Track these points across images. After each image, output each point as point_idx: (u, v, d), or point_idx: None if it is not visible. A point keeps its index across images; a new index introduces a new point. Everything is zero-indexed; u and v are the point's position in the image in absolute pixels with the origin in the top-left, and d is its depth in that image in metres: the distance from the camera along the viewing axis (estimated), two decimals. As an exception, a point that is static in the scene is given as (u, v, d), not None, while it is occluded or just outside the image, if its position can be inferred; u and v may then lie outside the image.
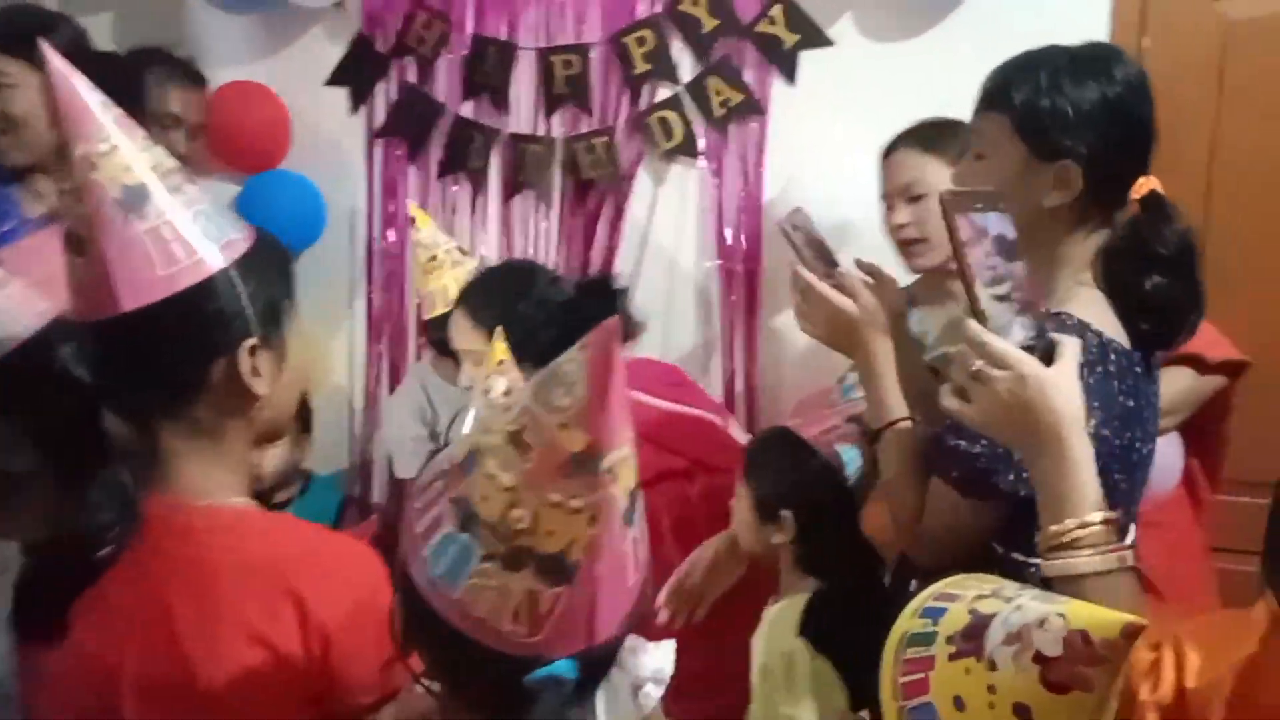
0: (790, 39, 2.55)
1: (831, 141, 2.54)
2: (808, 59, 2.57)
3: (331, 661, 0.99)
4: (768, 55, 2.58)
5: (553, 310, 1.89)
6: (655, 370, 2.25)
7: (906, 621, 0.94)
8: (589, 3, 2.65)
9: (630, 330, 2.04)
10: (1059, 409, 1.03)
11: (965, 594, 0.92)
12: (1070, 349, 1.07)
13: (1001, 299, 1.08)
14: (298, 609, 0.98)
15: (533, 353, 1.85)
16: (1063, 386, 1.04)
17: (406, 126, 2.82)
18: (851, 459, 1.57)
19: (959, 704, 0.86)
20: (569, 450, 0.73)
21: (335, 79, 2.84)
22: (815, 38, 2.55)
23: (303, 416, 2.52)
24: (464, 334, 1.92)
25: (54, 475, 0.99)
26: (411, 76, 2.79)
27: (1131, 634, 0.80)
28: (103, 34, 2.99)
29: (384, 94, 2.83)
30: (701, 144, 2.65)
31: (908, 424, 1.35)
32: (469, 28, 2.72)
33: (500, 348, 1.30)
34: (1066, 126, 1.24)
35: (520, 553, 0.75)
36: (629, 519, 0.77)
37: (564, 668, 0.76)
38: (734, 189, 2.65)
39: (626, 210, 2.71)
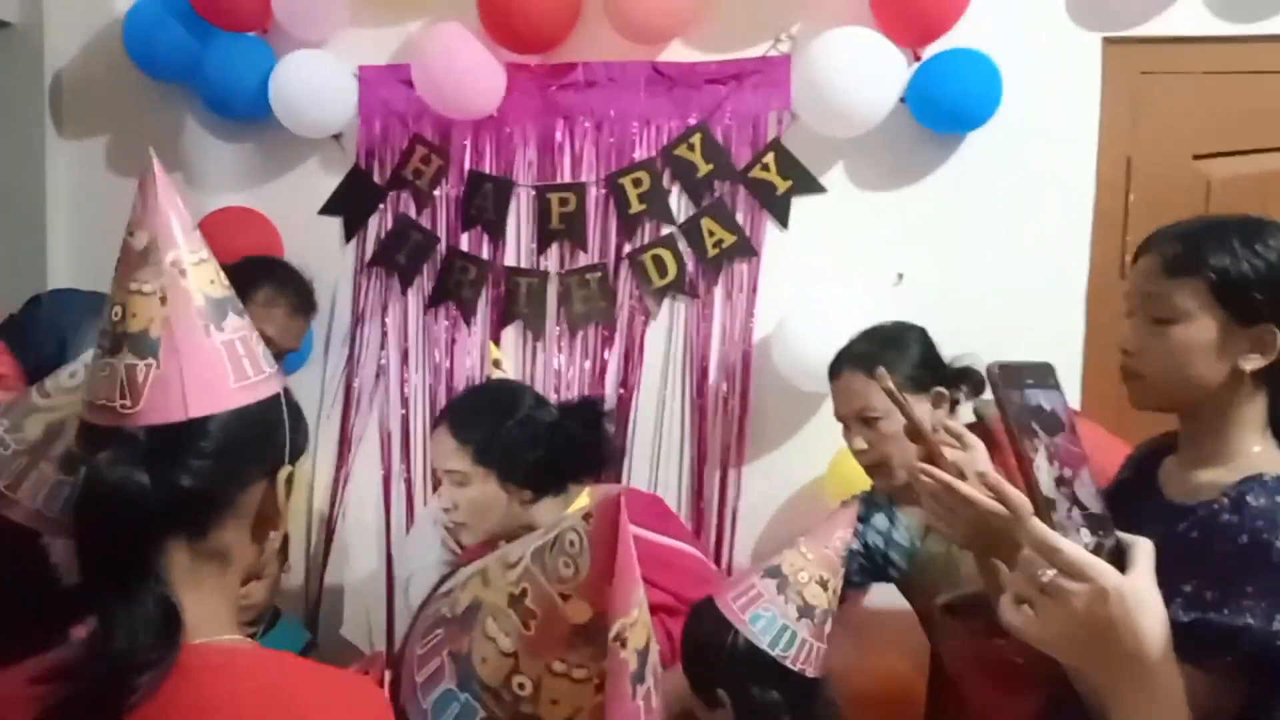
0: (783, 185, 2.63)
1: (823, 282, 2.59)
2: (800, 203, 2.63)
3: None
4: (761, 200, 2.64)
5: (539, 431, 1.86)
6: (642, 501, 2.23)
7: None
8: (585, 144, 2.72)
9: (610, 454, 2.03)
10: (1144, 630, 0.88)
11: None
12: (1145, 553, 0.93)
13: (1061, 484, 0.94)
14: None
15: (519, 473, 1.83)
16: (1148, 602, 0.89)
17: (399, 256, 2.84)
18: (767, 624, 1.38)
19: None
20: (573, 621, 0.69)
21: (329, 208, 2.88)
22: (807, 184, 2.62)
23: (282, 549, 2.45)
24: (447, 454, 1.88)
25: (100, 589, 0.93)
26: (407, 208, 2.83)
27: None
28: (98, 159, 3.03)
29: (376, 225, 2.86)
30: (694, 282, 2.69)
31: None
32: (466, 164, 2.78)
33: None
34: (1268, 290, 1.26)
35: (523, 718, 0.71)
36: (640, 678, 0.74)
37: None
38: (724, 326, 2.68)
39: (639, 344, 2.73)
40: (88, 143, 3.03)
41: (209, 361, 0.96)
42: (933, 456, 1.34)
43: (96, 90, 2.99)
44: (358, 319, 2.89)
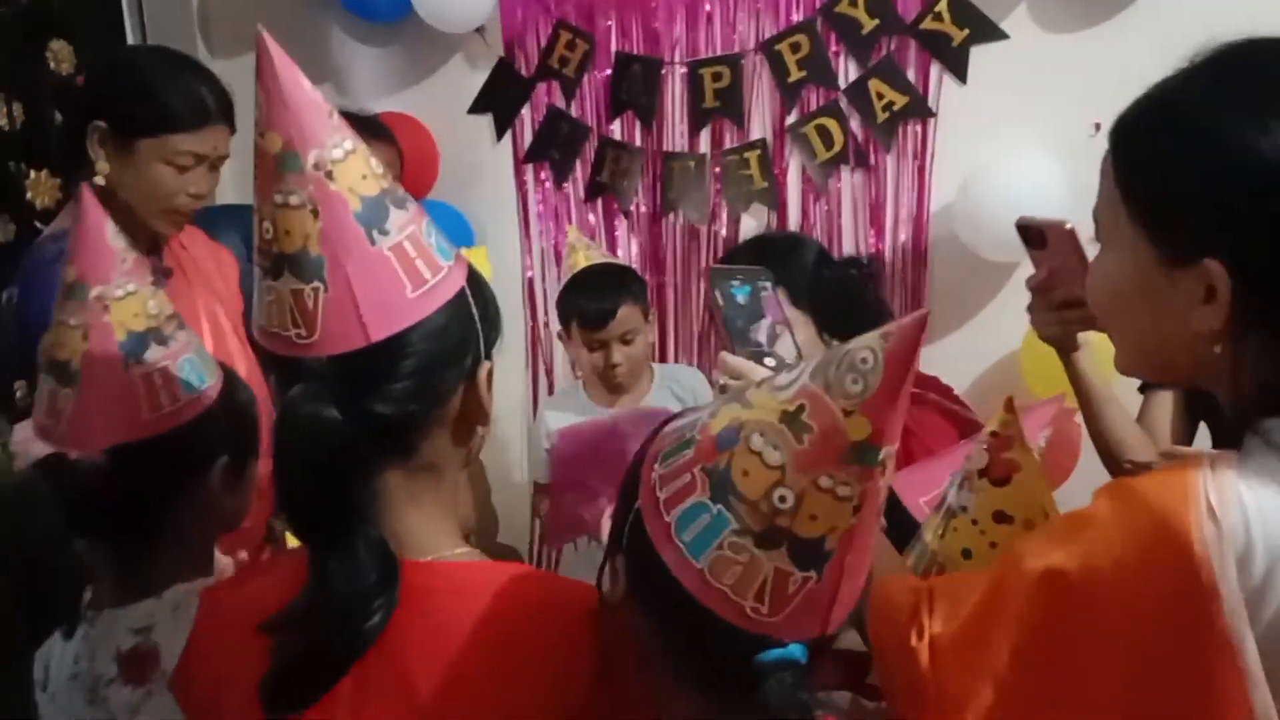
0: (959, 35, 2.50)
1: (1009, 140, 2.48)
2: (979, 54, 2.51)
3: None
4: (935, 53, 2.53)
5: (825, 279, 1.91)
6: (932, 381, 2.21)
7: (914, 562, 1.19)
8: (738, 10, 2.66)
9: (888, 312, 2.10)
10: None
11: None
12: None
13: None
14: (546, 673, 0.93)
15: (833, 323, 1.85)
16: None
17: (552, 150, 2.88)
18: None
19: (967, 554, 1.12)
20: (850, 438, 0.74)
21: (478, 106, 2.93)
22: (987, 31, 2.48)
23: None
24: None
25: (312, 538, 0.93)
26: (555, 99, 2.86)
27: (1009, 406, 1.12)
28: (251, 76, 3.17)
29: (529, 118, 2.90)
30: (864, 151, 2.62)
31: None
32: (613, 45, 2.77)
33: None
34: None
35: (777, 532, 0.76)
36: (883, 514, 0.80)
37: (798, 651, 0.79)
38: (899, 196, 2.61)
39: (807, 224, 2.72)
40: (240, 60, 3.18)
41: (380, 274, 0.88)
42: None
43: (243, 6, 3.12)
44: (523, 217, 2.97)
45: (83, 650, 1.20)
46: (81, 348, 1.13)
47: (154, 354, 1.15)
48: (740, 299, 1.19)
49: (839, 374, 0.75)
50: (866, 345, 0.75)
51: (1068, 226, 1.35)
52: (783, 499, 0.75)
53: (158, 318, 1.16)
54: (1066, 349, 1.45)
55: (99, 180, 1.73)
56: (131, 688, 1.17)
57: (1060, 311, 1.37)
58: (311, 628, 0.91)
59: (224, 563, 1.35)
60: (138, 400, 1.14)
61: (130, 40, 3.10)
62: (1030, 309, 1.45)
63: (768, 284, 1.21)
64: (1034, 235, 1.40)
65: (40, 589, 1.22)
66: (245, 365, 1.70)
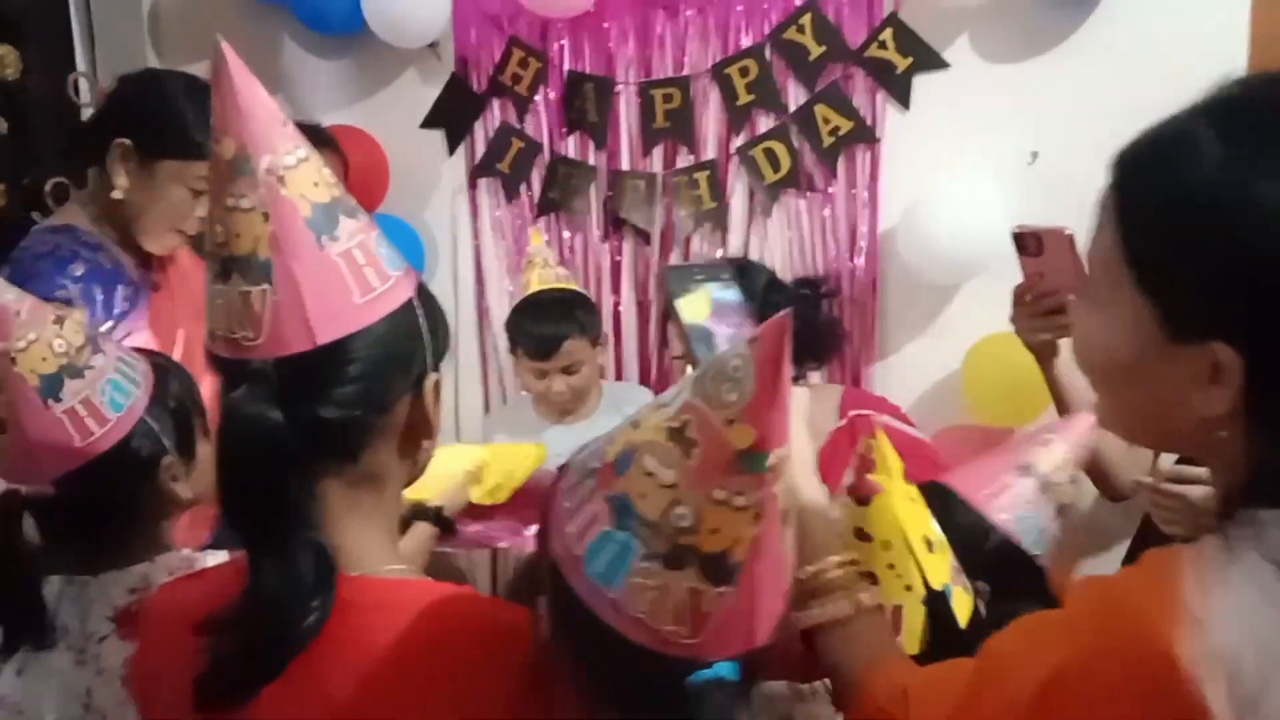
0: (902, 63, 2.58)
1: (950, 167, 2.56)
2: (921, 82, 2.60)
3: None
4: (879, 80, 2.61)
5: (775, 304, 1.90)
6: (871, 398, 2.25)
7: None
8: (688, 34, 2.72)
9: (842, 336, 2.11)
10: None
11: None
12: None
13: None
14: (466, 695, 0.92)
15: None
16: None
17: (502, 165, 2.91)
18: (1031, 528, 1.36)
19: None
20: (735, 447, 0.74)
21: (430, 121, 2.96)
22: (929, 60, 2.57)
23: None
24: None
25: (249, 539, 0.93)
26: (509, 116, 2.90)
27: (872, 430, 1.17)
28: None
29: (481, 134, 2.93)
30: (810, 174, 2.69)
31: None
32: (565, 64, 2.82)
33: None
34: None
35: (682, 551, 0.76)
36: (787, 519, 0.80)
37: (728, 670, 0.78)
38: (846, 220, 2.69)
39: (753, 244, 2.78)
40: (189, 69, 3.17)
41: (328, 279, 0.90)
42: None
43: (193, 13, 3.12)
44: (474, 232, 2.99)
45: (70, 616, 1.25)
46: (2, 399, 1.19)
47: (71, 388, 1.20)
48: (699, 298, 1.13)
49: (715, 384, 0.75)
50: (736, 353, 0.75)
51: (1067, 232, 1.38)
52: (681, 516, 0.76)
53: (67, 354, 1.21)
54: (1048, 355, 1.46)
55: (116, 194, 1.84)
56: (128, 641, 1.20)
57: (1049, 317, 1.41)
58: (245, 627, 0.91)
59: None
60: (67, 434, 1.20)
61: (77, 45, 3.08)
62: (1014, 317, 1.48)
63: (730, 281, 1.16)
64: (1029, 242, 1.43)
65: (12, 604, 1.25)
66: (213, 382, 1.74)
